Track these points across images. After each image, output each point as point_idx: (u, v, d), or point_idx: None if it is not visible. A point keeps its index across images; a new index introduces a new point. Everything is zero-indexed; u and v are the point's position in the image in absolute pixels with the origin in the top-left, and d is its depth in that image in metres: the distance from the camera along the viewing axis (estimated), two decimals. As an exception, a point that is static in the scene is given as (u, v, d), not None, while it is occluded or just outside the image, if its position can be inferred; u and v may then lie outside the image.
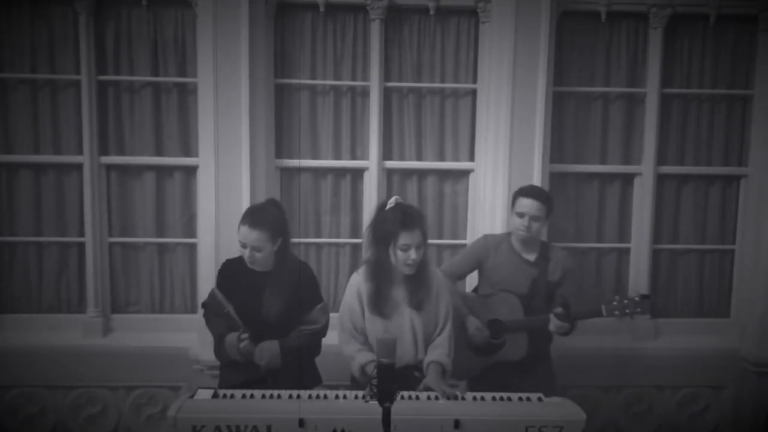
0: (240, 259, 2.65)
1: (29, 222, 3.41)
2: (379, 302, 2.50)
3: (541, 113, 3.29)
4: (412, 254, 2.44)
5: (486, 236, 2.99)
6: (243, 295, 2.58)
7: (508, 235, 2.89)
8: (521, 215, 2.74)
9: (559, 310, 2.65)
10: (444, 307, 2.57)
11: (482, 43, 3.40)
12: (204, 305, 2.71)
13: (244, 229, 2.50)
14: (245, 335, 2.49)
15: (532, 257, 2.81)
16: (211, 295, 2.66)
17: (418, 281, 2.52)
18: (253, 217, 2.53)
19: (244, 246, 2.53)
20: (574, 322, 2.67)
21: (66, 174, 3.40)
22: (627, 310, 2.62)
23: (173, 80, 3.37)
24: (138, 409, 3.41)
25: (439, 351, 2.51)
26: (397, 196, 2.58)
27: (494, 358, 2.77)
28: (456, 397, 2.33)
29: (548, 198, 2.80)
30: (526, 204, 2.73)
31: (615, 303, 2.63)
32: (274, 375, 2.52)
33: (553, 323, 2.65)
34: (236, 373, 2.55)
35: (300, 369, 2.63)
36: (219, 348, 2.57)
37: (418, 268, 2.51)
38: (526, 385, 2.55)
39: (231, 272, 2.65)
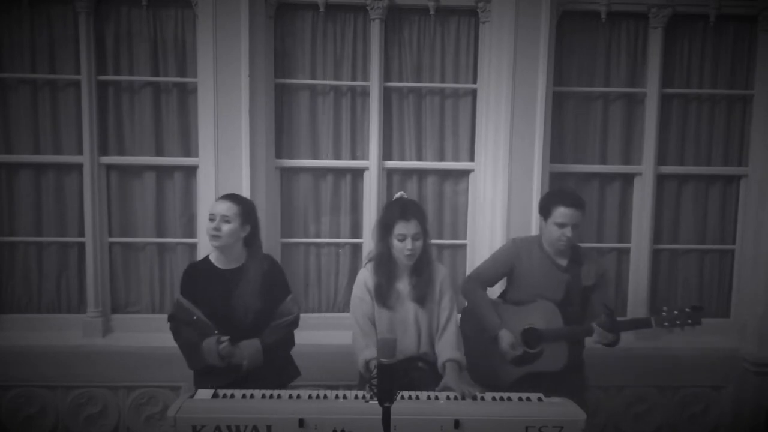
0: (205, 260, 2.62)
1: (29, 222, 3.41)
2: (383, 294, 2.55)
3: (541, 113, 3.29)
4: (408, 244, 2.48)
5: (515, 240, 2.85)
6: (213, 297, 2.52)
7: (538, 238, 2.78)
8: (562, 225, 2.60)
9: (603, 319, 2.54)
10: (447, 302, 2.59)
11: (482, 43, 3.40)
12: (171, 317, 2.61)
13: (216, 202, 2.58)
14: (225, 338, 2.44)
15: (564, 261, 2.72)
16: (177, 304, 2.58)
17: (420, 275, 2.57)
18: (228, 194, 2.63)
19: (212, 219, 2.52)
20: (619, 333, 2.57)
21: (66, 174, 3.40)
22: (678, 322, 2.53)
23: (173, 80, 3.37)
24: (138, 409, 3.41)
25: (451, 348, 2.52)
26: (402, 192, 2.68)
27: (530, 368, 2.66)
28: (476, 397, 2.33)
29: (584, 202, 2.67)
30: (567, 214, 2.59)
31: (664, 314, 2.55)
32: (257, 374, 2.50)
33: (598, 334, 2.55)
34: (213, 379, 2.47)
35: (279, 364, 2.63)
36: (194, 357, 2.50)
37: (421, 262, 2.56)
38: (563, 394, 2.44)
39: (197, 275, 2.58)
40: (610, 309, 2.58)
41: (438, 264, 2.69)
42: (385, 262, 2.56)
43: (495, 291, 2.96)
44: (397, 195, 2.67)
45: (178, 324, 2.58)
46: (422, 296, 2.56)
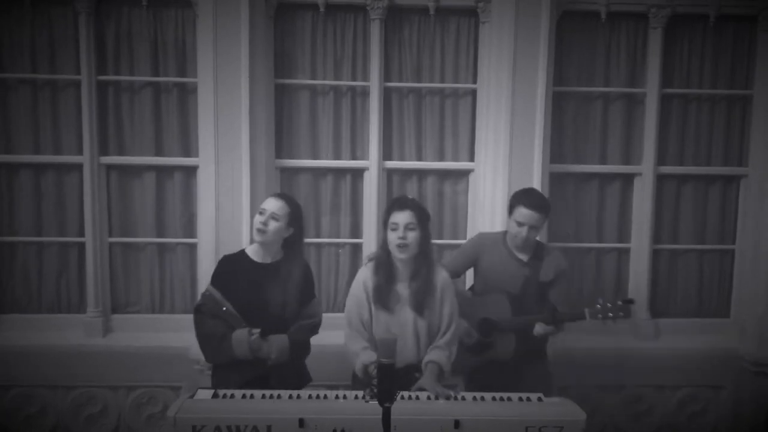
0: (241, 253, 2.65)
1: (29, 222, 3.41)
2: (382, 296, 2.52)
3: (541, 113, 3.29)
4: (399, 232, 2.47)
5: (481, 234, 3.00)
6: (248, 288, 2.55)
7: (504, 234, 2.87)
8: (520, 224, 2.72)
9: (544, 314, 2.68)
10: (448, 308, 2.57)
11: (482, 43, 3.40)
12: (198, 308, 2.61)
13: (270, 199, 2.61)
14: (256, 330, 2.47)
15: (525, 257, 2.81)
16: (206, 296, 2.60)
17: (419, 279, 2.53)
18: (281, 193, 2.72)
19: (262, 213, 2.56)
20: (559, 325, 2.70)
21: (66, 174, 3.41)
22: (610, 314, 2.64)
23: (173, 80, 3.37)
24: (138, 409, 3.41)
25: (439, 352, 2.51)
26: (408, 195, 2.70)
27: (485, 357, 2.78)
28: (448, 398, 2.33)
29: (547, 206, 2.78)
30: (526, 214, 2.71)
31: (599, 306, 2.66)
32: (279, 370, 2.53)
33: (539, 325, 2.68)
34: (236, 373, 2.51)
35: (297, 367, 2.65)
36: (218, 349, 2.52)
37: (420, 264, 2.53)
38: (521, 384, 2.55)
39: (232, 267, 2.61)
40: (553, 305, 2.73)
41: (440, 267, 2.65)
42: (384, 263, 2.55)
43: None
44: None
45: (203, 316, 2.58)
46: (421, 303, 2.53)
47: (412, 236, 2.48)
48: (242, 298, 2.54)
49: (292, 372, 2.59)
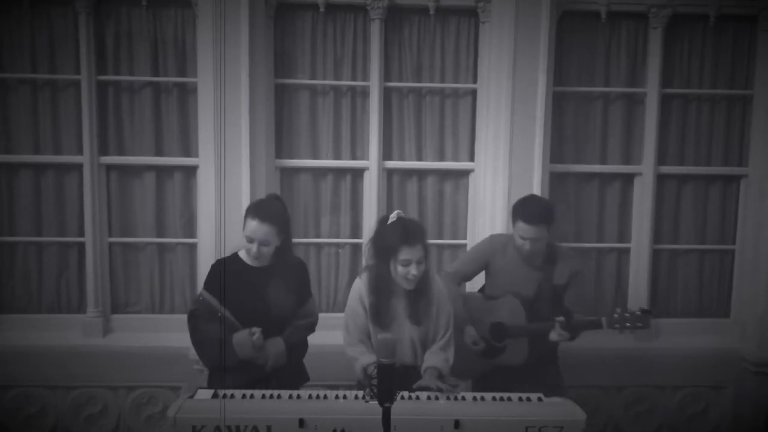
0: (234, 257, 2.60)
1: (29, 222, 3.41)
2: (379, 313, 2.48)
3: (541, 113, 3.29)
4: (413, 269, 2.40)
5: (492, 236, 2.94)
6: (244, 293, 2.51)
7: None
8: (523, 239, 2.66)
9: (561, 319, 2.62)
10: (445, 318, 2.54)
11: (482, 43, 3.40)
12: (192, 314, 2.56)
13: (254, 223, 2.45)
14: (257, 329, 2.44)
15: (538, 260, 2.75)
16: (200, 300, 2.54)
17: (418, 294, 2.49)
18: (263, 211, 2.49)
19: (251, 240, 2.48)
20: (575, 332, 2.65)
21: (66, 174, 3.40)
22: (628, 324, 2.60)
23: (173, 80, 3.37)
24: (138, 409, 3.41)
25: (437, 357, 2.49)
26: (398, 211, 2.52)
27: (496, 362, 2.75)
28: (450, 396, 2.32)
29: (548, 214, 2.68)
30: (526, 229, 2.63)
31: (616, 316, 2.62)
32: (278, 374, 2.51)
33: (555, 332, 2.62)
34: (233, 378, 2.46)
35: (295, 366, 2.63)
36: (219, 353, 2.47)
37: (420, 282, 2.48)
38: (530, 389, 2.49)
39: (227, 271, 2.55)
40: (569, 311, 2.68)
41: (436, 277, 2.61)
42: (384, 283, 2.47)
43: (476, 285, 3.03)
44: (393, 216, 2.48)
45: (198, 320, 2.54)
46: (418, 315, 2.49)
47: (422, 268, 2.43)
48: (239, 302, 2.50)
49: (289, 372, 2.58)
